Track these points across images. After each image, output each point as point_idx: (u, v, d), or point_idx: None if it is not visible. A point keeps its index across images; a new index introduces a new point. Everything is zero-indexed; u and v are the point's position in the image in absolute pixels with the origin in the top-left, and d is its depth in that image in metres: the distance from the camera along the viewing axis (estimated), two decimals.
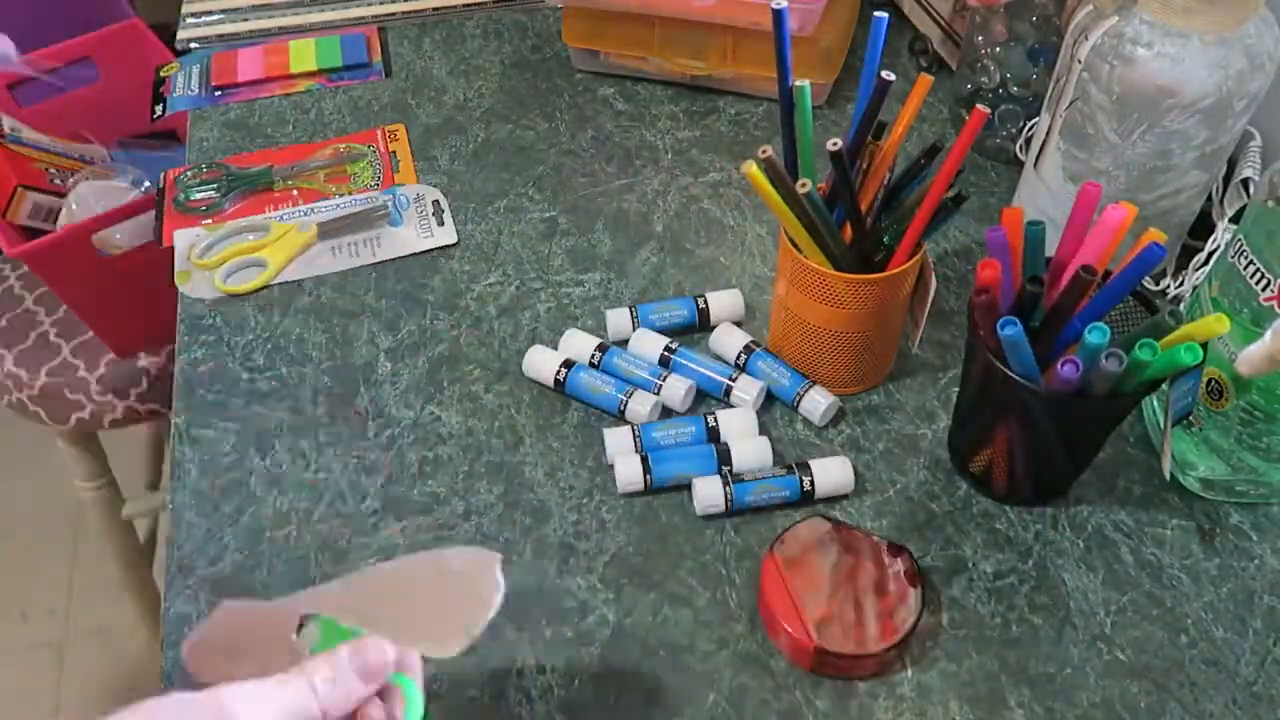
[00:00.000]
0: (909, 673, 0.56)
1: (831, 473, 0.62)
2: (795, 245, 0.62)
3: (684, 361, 0.68)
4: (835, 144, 0.56)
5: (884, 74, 0.58)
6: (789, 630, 0.55)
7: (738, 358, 0.68)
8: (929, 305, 0.64)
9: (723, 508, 0.61)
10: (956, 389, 0.66)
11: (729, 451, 0.63)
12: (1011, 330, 0.52)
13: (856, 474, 0.63)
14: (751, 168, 0.56)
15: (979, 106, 0.56)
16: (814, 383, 0.66)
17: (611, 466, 0.63)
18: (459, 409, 0.67)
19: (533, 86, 0.92)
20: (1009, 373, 0.55)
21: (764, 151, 0.55)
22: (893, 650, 0.54)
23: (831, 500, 0.63)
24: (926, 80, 0.60)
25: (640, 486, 0.62)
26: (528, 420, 0.67)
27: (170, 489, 0.63)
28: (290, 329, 0.72)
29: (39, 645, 1.54)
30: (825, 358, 0.66)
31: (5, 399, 1.16)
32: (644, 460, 0.62)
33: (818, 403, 0.66)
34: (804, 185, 0.56)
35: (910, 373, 0.70)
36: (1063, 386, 0.53)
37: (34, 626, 1.56)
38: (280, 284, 0.75)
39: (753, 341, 0.69)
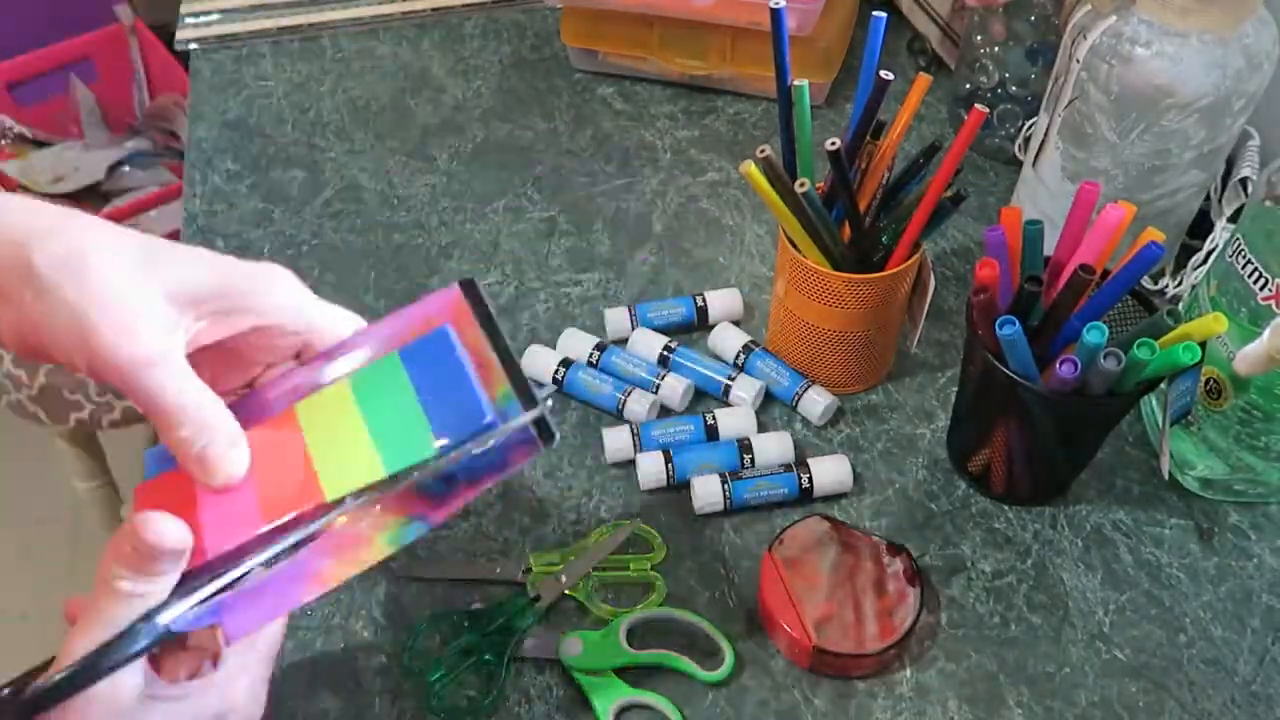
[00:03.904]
0: (908, 672, 0.56)
1: (830, 471, 0.62)
2: (794, 245, 0.62)
3: (683, 361, 0.68)
4: (834, 143, 0.56)
5: (882, 73, 0.58)
6: (788, 630, 0.55)
7: (736, 357, 0.68)
8: (927, 305, 0.64)
9: (721, 506, 0.61)
10: (955, 388, 0.66)
11: (751, 447, 0.63)
12: (1010, 329, 0.52)
13: (855, 473, 0.63)
14: (750, 167, 0.56)
15: (977, 106, 0.56)
16: (813, 382, 0.66)
17: (614, 465, 0.64)
18: None
19: (531, 86, 0.92)
20: (1008, 372, 0.55)
21: (762, 151, 0.56)
22: (891, 650, 0.54)
23: (830, 499, 0.63)
24: (925, 80, 0.60)
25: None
26: None
27: None
28: None
29: (39, 645, 1.54)
30: (824, 357, 0.66)
31: (4, 399, 1.16)
32: (666, 456, 0.62)
33: (816, 402, 0.66)
34: (802, 184, 0.56)
35: (909, 372, 0.70)
36: (1061, 386, 0.53)
37: (33, 628, 1.56)
38: None
39: (751, 341, 0.69)
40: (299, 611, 0.58)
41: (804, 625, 0.54)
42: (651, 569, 0.59)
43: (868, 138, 0.61)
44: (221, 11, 0.98)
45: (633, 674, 0.55)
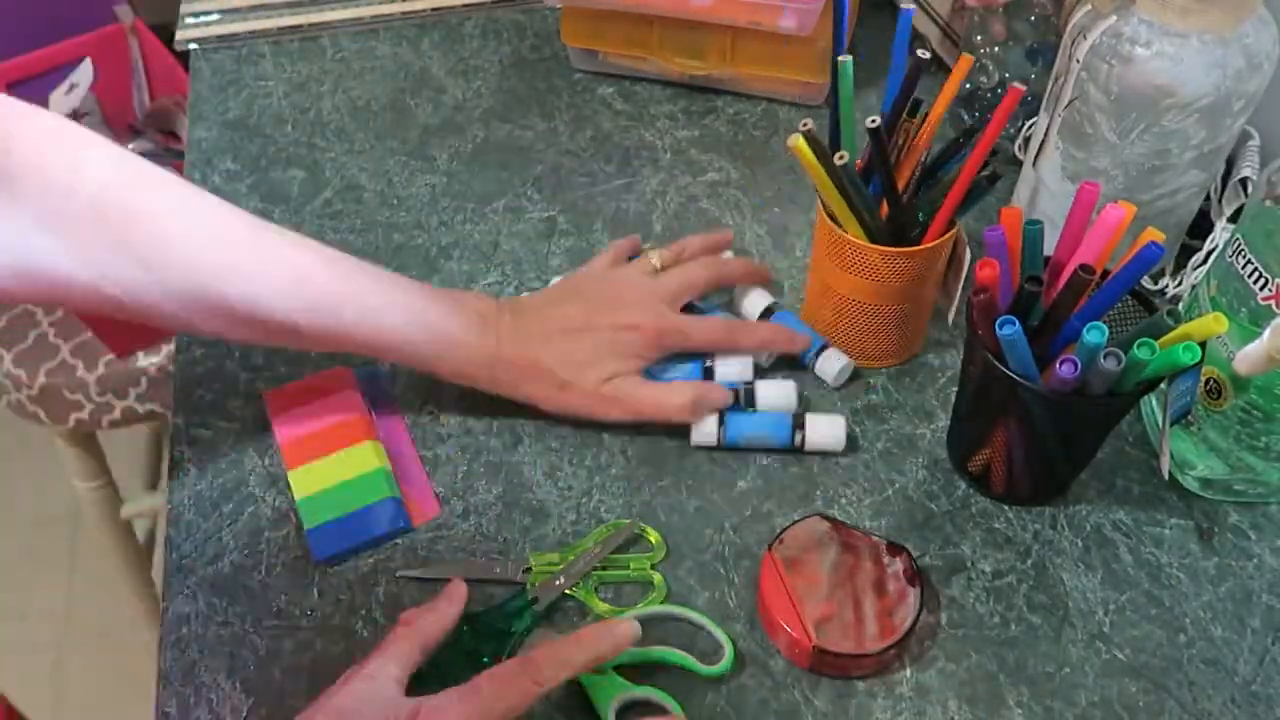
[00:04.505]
0: (908, 672, 0.56)
1: (821, 426, 0.64)
2: (834, 219, 0.63)
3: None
4: (874, 121, 0.58)
5: (920, 51, 0.60)
6: (788, 630, 0.55)
7: (760, 318, 0.71)
8: (963, 278, 0.65)
9: (714, 442, 0.64)
10: (955, 388, 0.66)
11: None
12: (1010, 329, 0.52)
13: (855, 475, 0.63)
14: (797, 140, 0.58)
15: (1014, 84, 0.58)
16: (830, 344, 0.68)
17: (612, 468, 0.64)
18: (457, 409, 0.67)
19: (531, 86, 0.92)
20: (1008, 372, 0.55)
21: (805, 125, 0.58)
22: (892, 649, 0.54)
23: (823, 455, 0.64)
24: (968, 60, 0.62)
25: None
26: (526, 420, 0.67)
27: (169, 489, 0.63)
28: None
29: (39, 645, 1.54)
30: (858, 331, 0.68)
31: (4, 399, 1.16)
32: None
33: (832, 362, 0.67)
34: (841, 157, 0.58)
35: (909, 372, 0.70)
36: (1061, 386, 0.53)
37: (34, 626, 1.56)
38: None
39: (775, 302, 0.71)
40: (299, 611, 0.58)
41: (804, 625, 0.55)
42: (651, 568, 0.59)
43: (904, 115, 0.63)
44: (221, 11, 0.98)
45: (633, 671, 0.55)
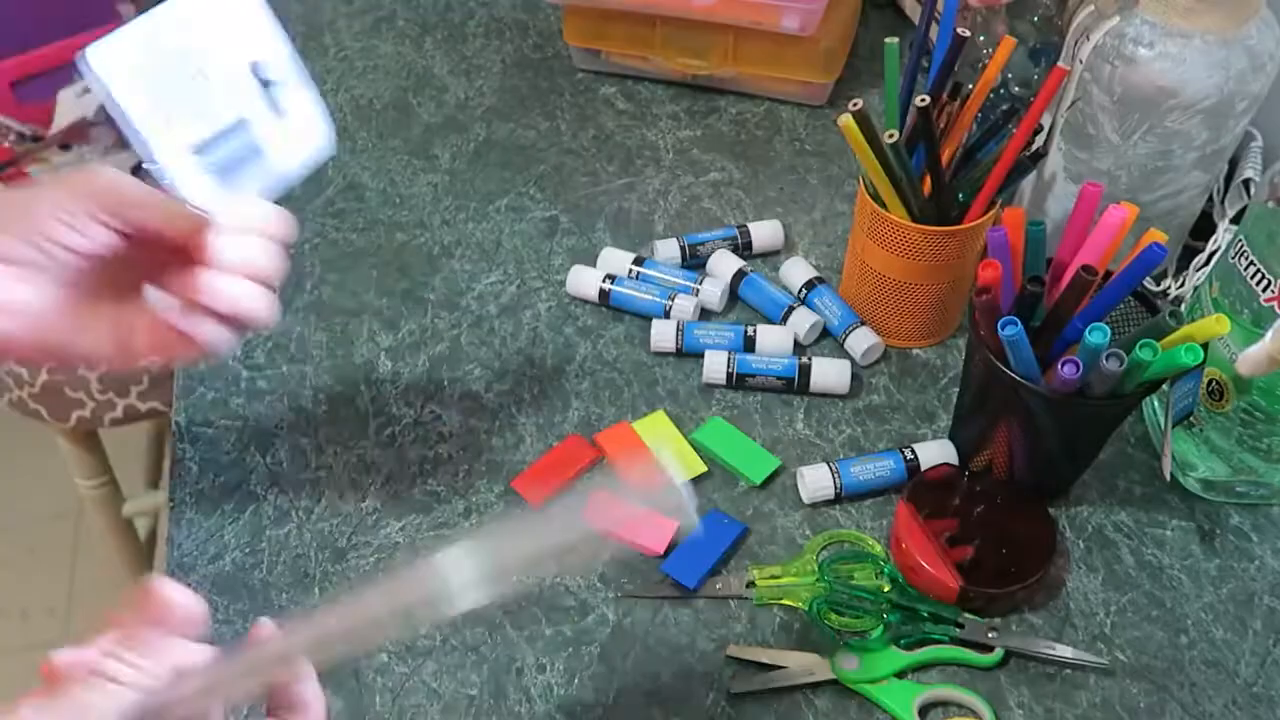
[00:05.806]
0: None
1: (830, 372, 0.67)
2: (877, 200, 0.64)
3: (752, 285, 0.73)
4: (923, 100, 0.58)
5: (960, 30, 0.60)
6: (929, 569, 0.56)
7: (799, 291, 0.73)
8: None
9: (724, 380, 0.67)
10: (957, 389, 0.66)
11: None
12: (1012, 330, 0.52)
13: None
14: (846, 119, 0.59)
15: (1059, 64, 0.58)
16: (864, 323, 0.69)
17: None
18: (459, 408, 0.67)
19: (534, 86, 0.92)
20: (1010, 373, 0.55)
21: (855, 104, 0.59)
22: (1026, 589, 0.57)
23: (824, 396, 0.68)
24: (1010, 42, 0.62)
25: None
26: (528, 419, 0.67)
27: (170, 487, 0.63)
28: (290, 327, 0.72)
29: (39, 645, 1.54)
30: (897, 310, 0.69)
31: (6, 397, 1.16)
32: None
33: (862, 340, 0.69)
34: (891, 135, 0.59)
35: (911, 372, 0.70)
36: (1063, 387, 0.53)
37: (34, 626, 1.56)
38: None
39: (816, 277, 0.73)
40: (300, 609, 0.58)
41: (948, 567, 0.56)
42: (875, 576, 0.59)
43: (945, 97, 0.64)
44: None
45: (913, 674, 0.56)
